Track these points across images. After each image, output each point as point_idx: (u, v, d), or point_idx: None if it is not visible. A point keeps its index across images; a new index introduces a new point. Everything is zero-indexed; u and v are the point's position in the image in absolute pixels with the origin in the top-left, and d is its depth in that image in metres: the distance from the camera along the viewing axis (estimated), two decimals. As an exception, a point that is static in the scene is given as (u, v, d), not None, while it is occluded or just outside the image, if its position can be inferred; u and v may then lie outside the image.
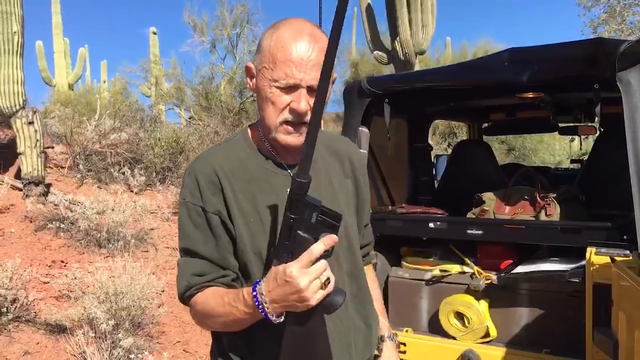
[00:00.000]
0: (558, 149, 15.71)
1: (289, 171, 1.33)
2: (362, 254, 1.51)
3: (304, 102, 1.23)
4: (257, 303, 1.14)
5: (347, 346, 1.34)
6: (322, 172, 1.37)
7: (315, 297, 1.10)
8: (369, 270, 1.55)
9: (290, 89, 1.24)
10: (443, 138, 14.59)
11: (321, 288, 1.10)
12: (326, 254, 1.12)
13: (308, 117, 1.22)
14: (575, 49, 2.43)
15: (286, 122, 1.26)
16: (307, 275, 1.08)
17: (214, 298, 1.26)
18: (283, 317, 1.15)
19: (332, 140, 1.49)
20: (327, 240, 1.11)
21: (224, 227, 1.29)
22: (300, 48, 1.23)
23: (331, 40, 1.02)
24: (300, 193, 1.10)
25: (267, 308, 1.13)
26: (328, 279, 1.11)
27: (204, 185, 1.30)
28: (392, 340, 1.43)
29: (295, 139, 1.27)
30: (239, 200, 1.28)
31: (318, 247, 1.10)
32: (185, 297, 1.31)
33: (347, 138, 1.58)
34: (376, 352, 1.46)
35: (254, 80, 1.33)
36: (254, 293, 1.15)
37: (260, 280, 1.16)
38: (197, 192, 1.31)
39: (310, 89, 1.23)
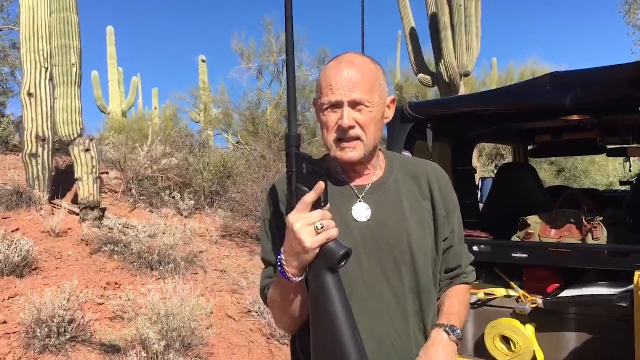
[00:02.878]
0: (611, 170, 15.28)
1: (355, 191, 1.44)
2: (450, 277, 1.54)
3: (346, 118, 1.34)
4: (278, 264, 1.25)
5: None
6: (391, 193, 1.46)
7: (309, 239, 1.17)
8: (456, 289, 1.55)
9: (335, 107, 1.36)
10: (490, 160, 14.42)
11: (318, 232, 1.19)
12: (320, 203, 1.22)
13: (358, 131, 1.36)
14: (618, 72, 2.43)
15: (338, 140, 1.37)
16: (300, 220, 1.18)
17: (270, 293, 1.39)
18: (299, 277, 1.24)
19: (412, 163, 1.58)
20: (316, 188, 1.20)
21: None
22: (339, 72, 1.36)
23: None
24: (291, 146, 1.24)
25: (284, 264, 1.23)
26: (322, 225, 1.19)
27: (274, 203, 1.47)
28: (444, 329, 1.38)
29: (349, 152, 1.38)
30: None
31: (309, 195, 1.20)
32: (264, 299, 1.45)
33: (431, 162, 1.61)
34: None
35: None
36: (278, 257, 1.26)
37: None
38: (269, 208, 1.48)
39: (353, 104, 1.35)
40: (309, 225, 1.18)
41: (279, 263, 1.25)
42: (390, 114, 1.47)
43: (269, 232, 1.46)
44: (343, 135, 1.35)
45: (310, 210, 1.20)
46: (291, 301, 1.31)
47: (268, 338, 5.23)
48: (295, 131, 1.25)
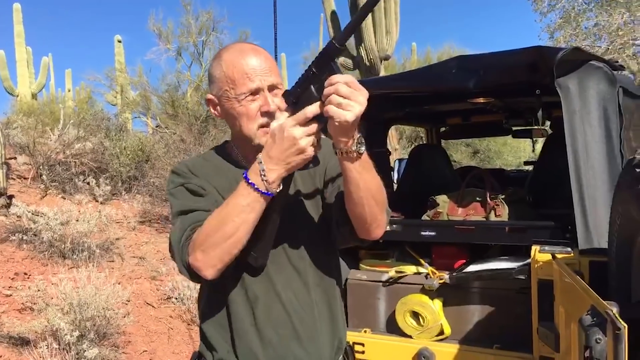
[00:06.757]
0: (522, 152, 16.04)
1: None
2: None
3: (272, 102, 1.37)
4: (250, 182, 1.23)
5: (310, 331, 1.43)
6: None
7: (309, 148, 1.19)
8: None
9: (255, 95, 1.37)
10: (410, 142, 14.77)
11: (313, 144, 1.20)
12: (320, 119, 1.18)
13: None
14: (517, 57, 2.55)
15: (262, 125, 1.38)
16: (301, 129, 1.18)
17: (211, 217, 1.30)
18: (277, 189, 1.24)
19: None
20: (319, 103, 1.17)
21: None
22: (249, 61, 1.39)
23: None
24: (331, 55, 1.17)
25: (264, 172, 1.21)
26: (318, 141, 1.21)
27: (185, 172, 1.46)
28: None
29: None
30: (210, 183, 1.44)
31: (312, 108, 1.17)
32: (183, 242, 1.34)
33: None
34: None
35: (218, 108, 1.46)
36: (245, 174, 1.25)
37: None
38: (181, 176, 1.45)
39: (272, 88, 1.38)
40: (309, 136, 1.18)
41: (249, 182, 1.23)
42: None
43: (185, 192, 1.42)
44: (270, 119, 1.35)
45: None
46: (246, 222, 1.26)
47: (188, 324, 5.17)
48: (344, 45, 1.19)
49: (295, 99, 1.21)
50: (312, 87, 1.19)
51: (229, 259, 1.29)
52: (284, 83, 1.43)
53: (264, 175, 1.21)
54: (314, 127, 1.19)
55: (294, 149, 1.19)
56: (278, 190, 1.24)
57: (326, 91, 1.14)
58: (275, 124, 1.22)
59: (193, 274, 1.32)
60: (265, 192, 1.23)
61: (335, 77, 1.13)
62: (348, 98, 1.12)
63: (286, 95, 1.24)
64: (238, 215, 1.25)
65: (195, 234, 1.31)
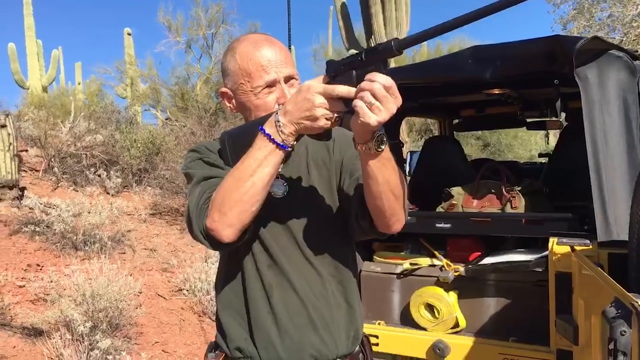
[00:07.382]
0: (533, 144, 15.94)
1: None
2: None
3: (288, 94, 1.36)
4: (266, 133, 1.21)
5: (325, 320, 1.42)
6: (302, 164, 1.47)
7: (322, 120, 1.17)
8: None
9: (271, 87, 1.38)
10: (420, 135, 14.73)
11: (328, 119, 1.18)
12: (347, 104, 1.16)
13: None
14: (535, 46, 2.51)
15: None
16: (323, 100, 1.16)
17: (227, 176, 1.28)
18: (292, 142, 1.22)
19: None
20: (354, 89, 1.14)
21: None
22: (264, 53, 1.38)
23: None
24: (384, 54, 1.14)
25: (279, 124, 1.20)
26: (337, 117, 1.18)
27: (203, 150, 1.46)
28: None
29: None
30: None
31: (343, 89, 1.15)
32: (201, 205, 1.30)
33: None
34: None
35: (233, 101, 1.46)
36: (261, 127, 1.23)
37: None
38: (198, 152, 1.45)
39: (287, 79, 1.39)
40: (326, 110, 1.16)
41: (265, 133, 1.21)
42: None
43: (213, 163, 1.41)
44: None
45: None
46: (262, 178, 1.23)
47: (200, 316, 5.19)
48: (401, 50, 1.14)
49: (335, 73, 1.19)
50: (354, 71, 1.16)
51: (246, 218, 1.26)
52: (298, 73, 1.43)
53: (279, 126, 1.20)
54: (336, 105, 1.17)
55: (308, 113, 1.17)
56: (293, 144, 1.23)
57: (362, 84, 1.11)
58: (307, 82, 1.20)
59: (211, 239, 1.28)
60: (281, 144, 1.21)
61: (377, 76, 1.10)
62: (380, 101, 1.09)
63: (328, 64, 1.21)
64: (254, 169, 1.23)
65: (213, 194, 1.28)
